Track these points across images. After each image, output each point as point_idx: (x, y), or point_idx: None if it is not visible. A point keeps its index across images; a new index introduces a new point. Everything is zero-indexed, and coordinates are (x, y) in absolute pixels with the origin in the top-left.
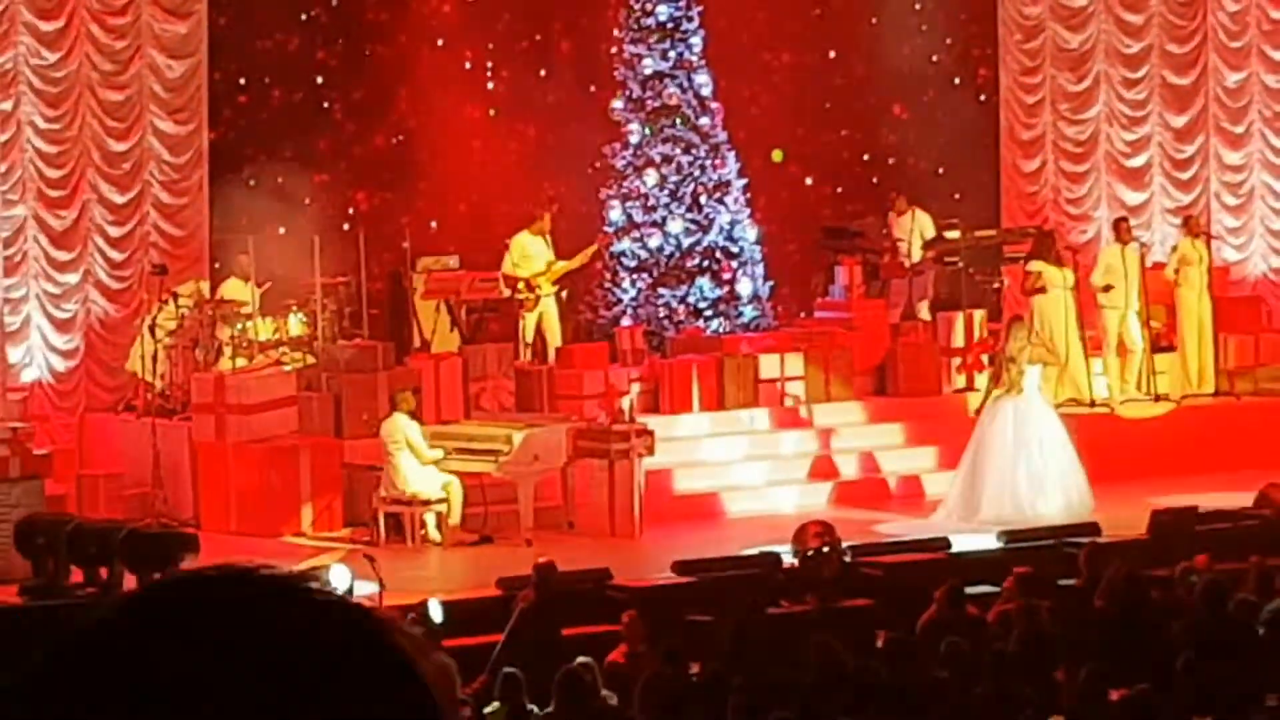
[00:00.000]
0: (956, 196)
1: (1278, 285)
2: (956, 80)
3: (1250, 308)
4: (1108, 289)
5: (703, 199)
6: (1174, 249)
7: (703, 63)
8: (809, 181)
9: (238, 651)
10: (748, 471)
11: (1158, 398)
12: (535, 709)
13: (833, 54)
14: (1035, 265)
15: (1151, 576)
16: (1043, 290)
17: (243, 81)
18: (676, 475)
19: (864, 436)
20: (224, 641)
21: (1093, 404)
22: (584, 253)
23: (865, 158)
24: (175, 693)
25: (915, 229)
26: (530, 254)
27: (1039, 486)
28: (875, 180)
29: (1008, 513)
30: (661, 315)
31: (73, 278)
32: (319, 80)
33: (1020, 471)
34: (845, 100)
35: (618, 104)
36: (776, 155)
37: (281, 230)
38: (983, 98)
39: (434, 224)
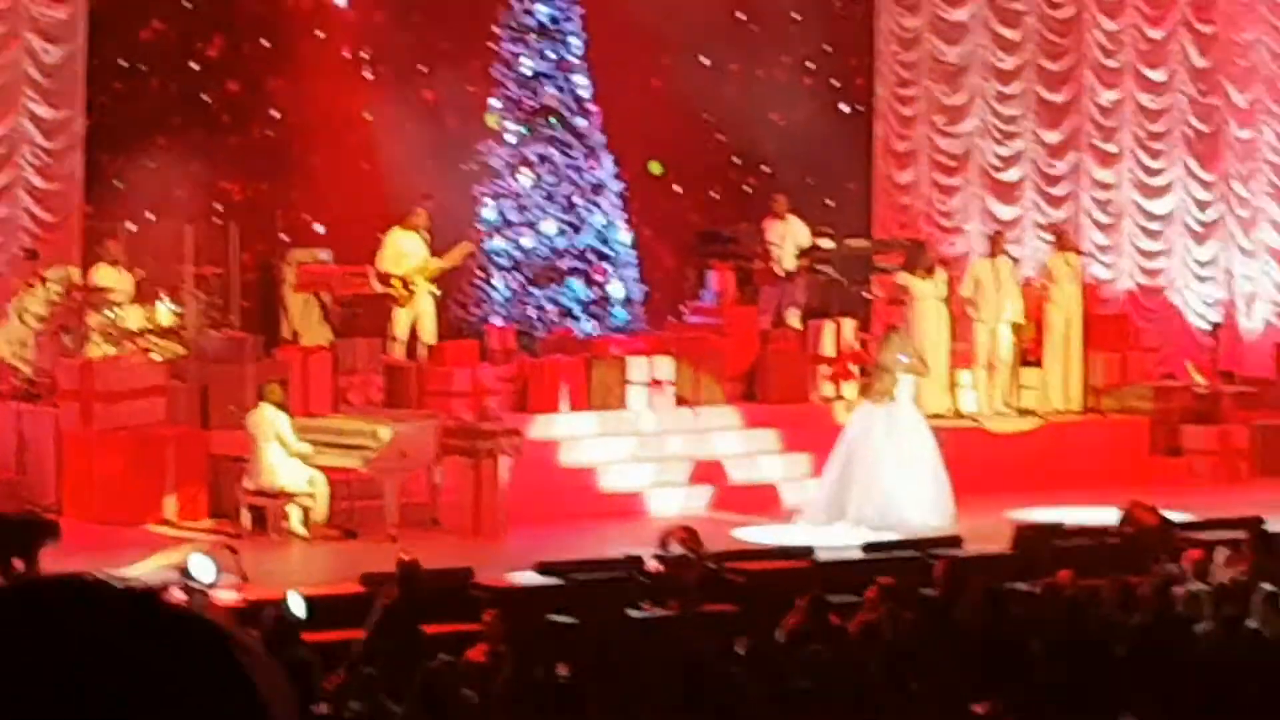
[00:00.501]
0: (830, 203)
1: (1144, 304)
2: (833, 89)
3: (1119, 325)
4: (978, 301)
5: (577, 200)
6: (1043, 265)
7: (582, 64)
8: (678, 189)
9: (74, 659)
10: (638, 473)
11: (1024, 412)
12: (394, 707)
13: (709, 61)
14: (902, 278)
15: (1013, 591)
16: (903, 303)
17: (121, 68)
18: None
19: (743, 442)
20: (62, 649)
21: (959, 416)
22: (459, 250)
23: (735, 160)
24: (12, 696)
25: (790, 236)
26: (404, 250)
27: (904, 496)
28: (749, 187)
29: (872, 518)
30: (532, 315)
31: None
32: (197, 70)
33: (887, 479)
34: (722, 107)
35: (495, 103)
36: (655, 168)
37: (154, 219)
38: (859, 108)
39: (308, 217)
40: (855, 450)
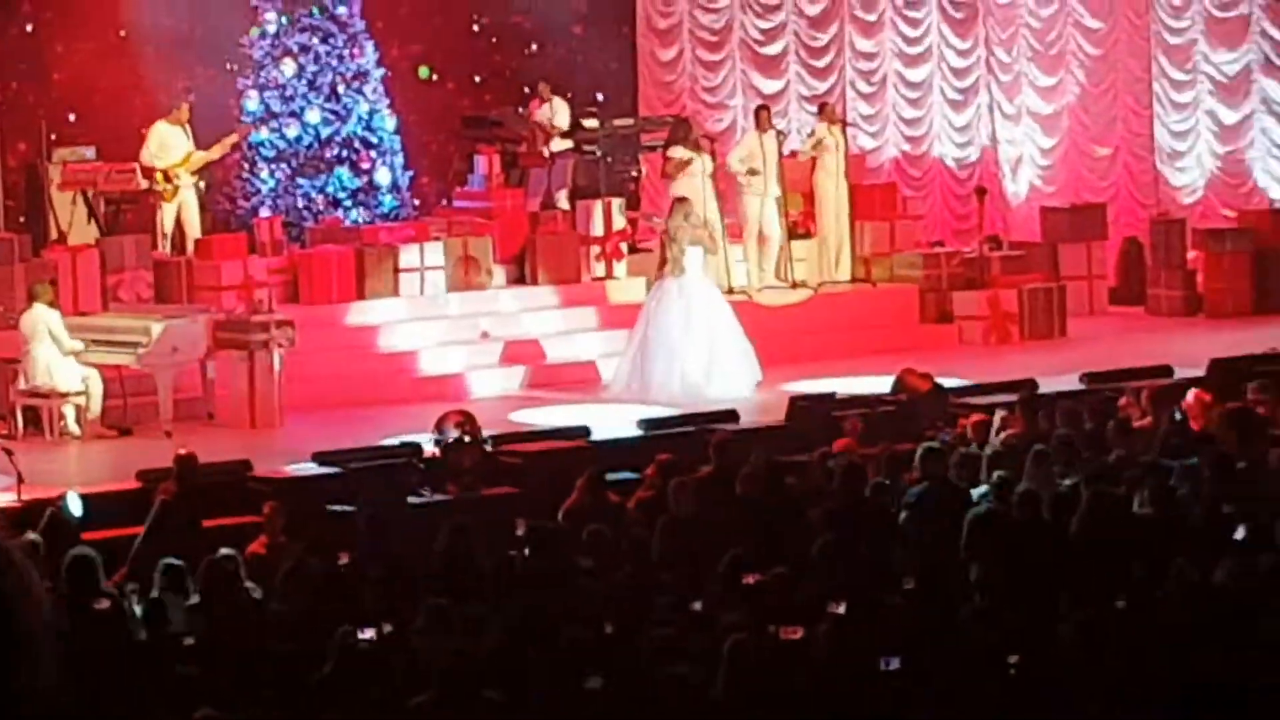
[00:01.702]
0: (595, 87)
1: (909, 173)
2: None
3: (886, 195)
4: (751, 173)
5: (341, 89)
6: (809, 136)
7: None
8: (441, 75)
9: None
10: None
11: (796, 285)
12: (177, 601)
13: None
14: (675, 151)
15: (790, 462)
16: (684, 173)
17: None
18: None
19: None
20: None
21: (731, 291)
22: (223, 143)
23: (497, 42)
24: None
25: (555, 117)
26: (169, 144)
27: (706, 367)
28: (513, 68)
29: (677, 393)
30: (300, 206)
31: None
32: None
33: (688, 352)
34: None
35: None
36: (424, 72)
37: None
38: None
39: (71, 115)
40: (652, 326)
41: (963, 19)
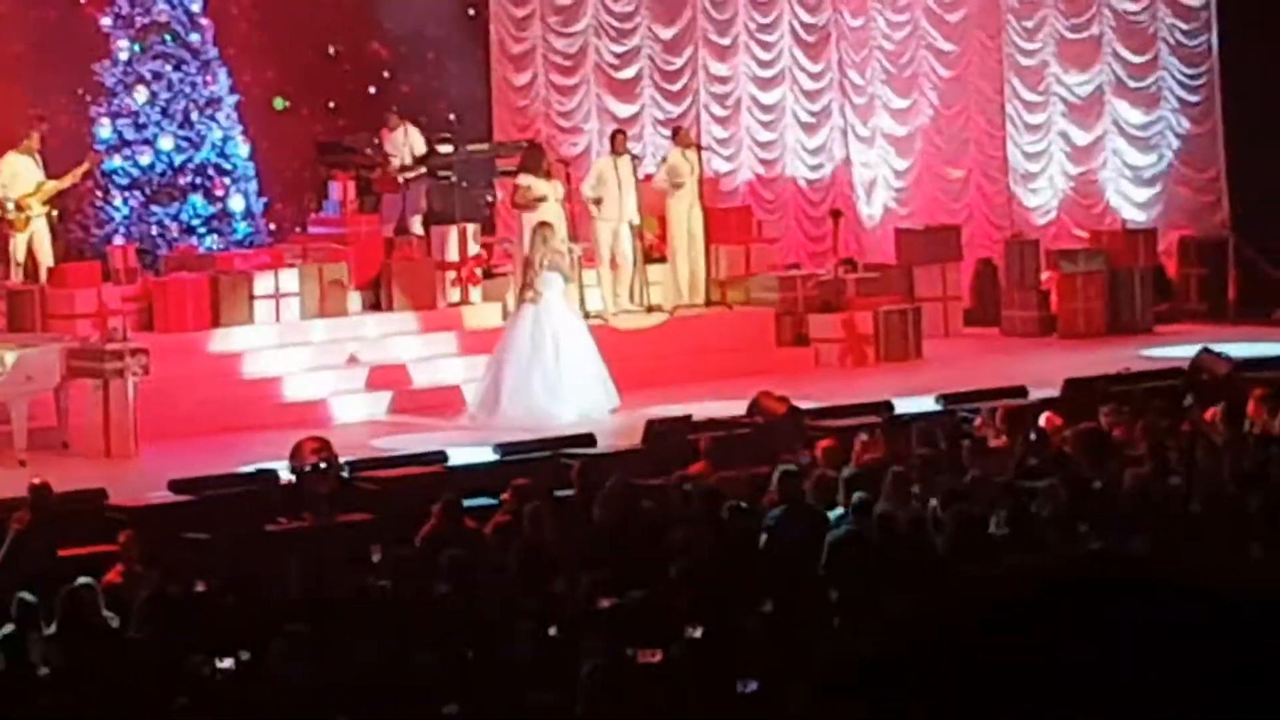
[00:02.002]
0: (449, 111)
1: (764, 196)
2: None
3: (741, 218)
4: (599, 200)
5: (194, 116)
6: (663, 160)
7: None
8: (295, 101)
9: None
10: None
11: (651, 309)
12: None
13: None
14: (524, 179)
15: (647, 486)
16: (533, 205)
17: None
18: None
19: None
20: None
21: (586, 316)
22: (74, 171)
23: (351, 69)
24: None
25: (407, 144)
26: (19, 174)
27: (554, 393)
28: (368, 95)
29: (522, 417)
30: (154, 233)
31: None
32: None
33: (535, 377)
34: (336, 16)
35: (107, 21)
36: (278, 103)
37: None
38: (472, 12)
39: None
40: (506, 350)
41: (815, 42)
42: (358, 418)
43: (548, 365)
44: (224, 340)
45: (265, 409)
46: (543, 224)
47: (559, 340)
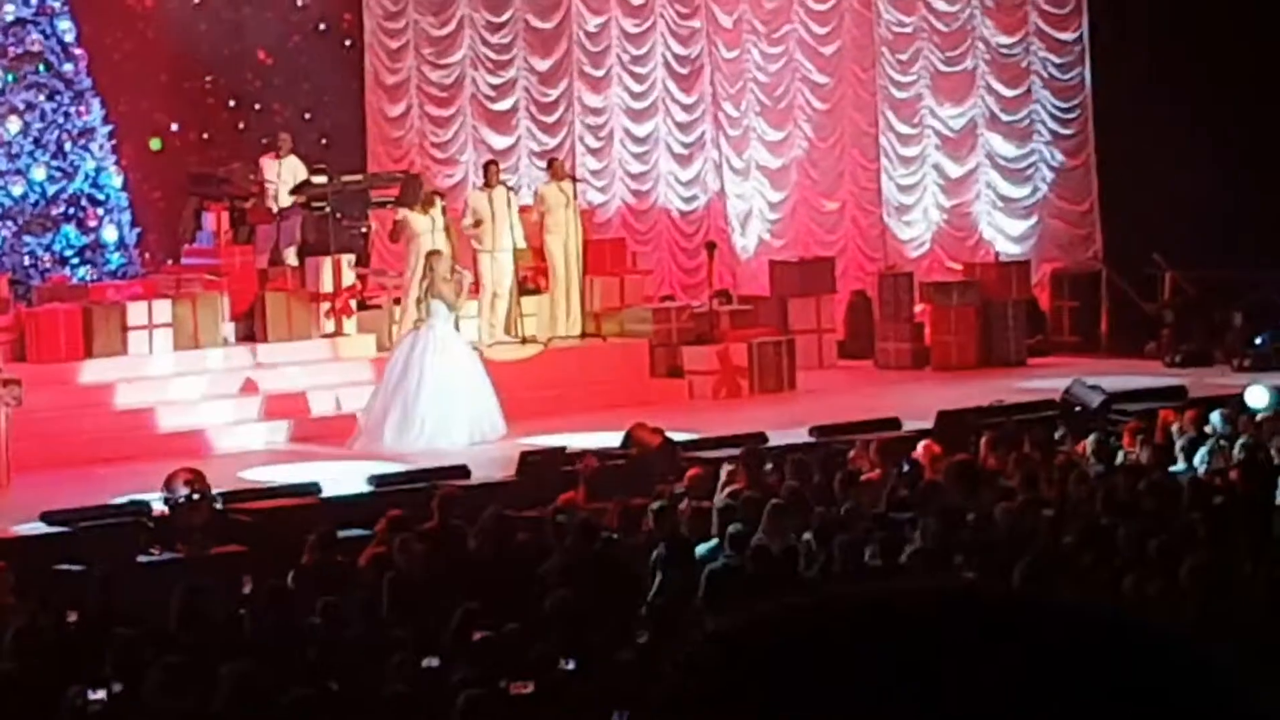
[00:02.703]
0: (323, 142)
1: (637, 228)
2: (321, 25)
3: (615, 250)
4: (478, 224)
5: (67, 146)
6: (537, 192)
7: (65, 8)
8: (170, 131)
9: None
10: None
11: (526, 340)
12: None
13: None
14: (401, 213)
15: (521, 517)
16: (411, 239)
17: None
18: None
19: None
20: None
21: None
22: None
23: (231, 104)
24: None
25: (289, 173)
26: None
27: (442, 419)
28: (241, 126)
29: (410, 443)
30: (27, 264)
31: None
32: None
33: (421, 404)
34: (210, 46)
35: None
36: (155, 144)
37: None
38: (348, 43)
39: None
40: (392, 376)
41: (688, 74)
42: (240, 447)
43: (435, 392)
44: (98, 370)
45: (141, 439)
46: (432, 252)
47: (443, 367)
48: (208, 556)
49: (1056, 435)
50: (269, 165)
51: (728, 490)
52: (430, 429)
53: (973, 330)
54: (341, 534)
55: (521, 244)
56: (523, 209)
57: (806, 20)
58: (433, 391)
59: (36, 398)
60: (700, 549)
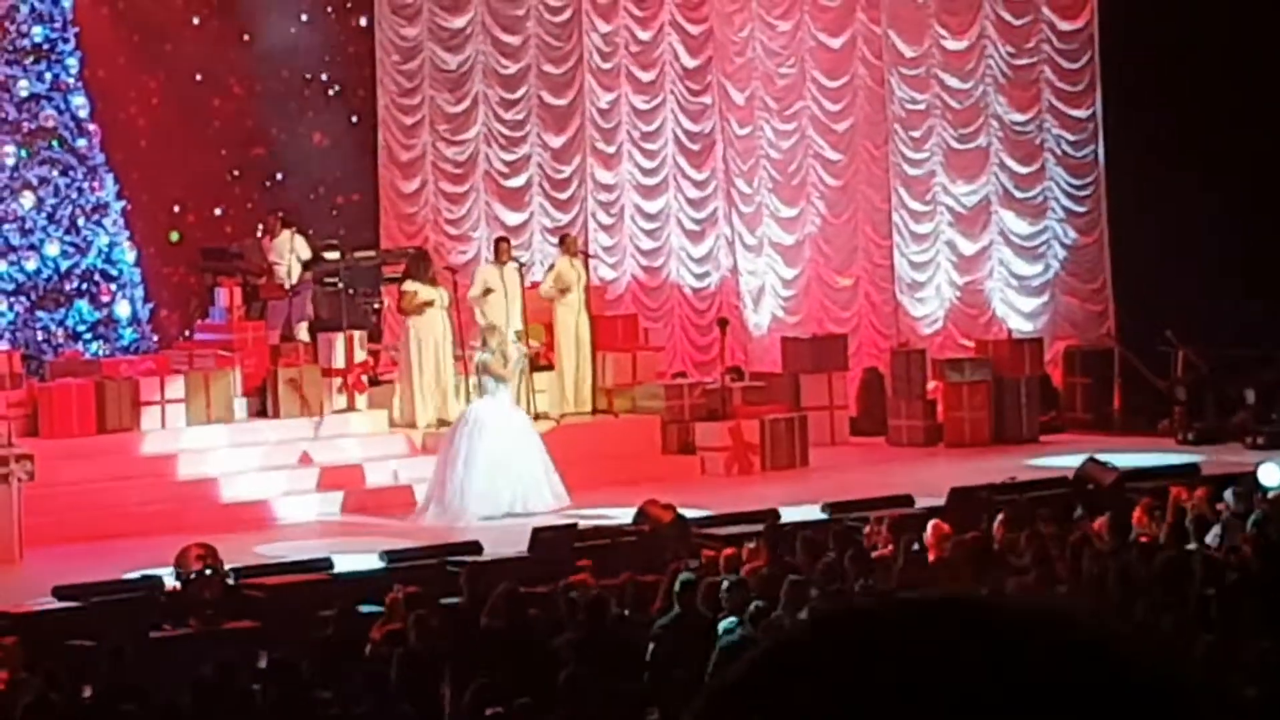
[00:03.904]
0: (335, 215)
1: (648, 304)
2: (334, 100)
3: (627, 326)
4: (487, 293)
5: (80, 221)
6: (550, 268)
7: (79, 85)
8: (181, 207)
9: None
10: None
11: (538, 416)
12: None
13: (199, 76)
14: (410, 285)
15: (533, 593)
16: (420, 309)
17: None
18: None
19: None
20: None
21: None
22: None
23: (235, 173)
24: None
25: (292, 250)
26: None
27: (498, 489)
28: (253, 202)
29: (466, 514)
30: (40, 339)
31: None
32: None
33: (477, 476)
34: (223, 121)
35: None
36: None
37: None
38: (360, 119)
39: None
40: (457, 448)
41: (699, 150)
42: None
43: (495, 461)
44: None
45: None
46: (490, 327)
47: (504, 436)
48: (219, 631)
49: (1075, 514)
50: (271, 246)
51: (748, 567)
52: (500, 500)
53: (985, 407)
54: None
55: (518, 323)
56: (533, 285)
57: (819, 97)
58: (487, 465)
59: (47, 472)
60: (721, 625)
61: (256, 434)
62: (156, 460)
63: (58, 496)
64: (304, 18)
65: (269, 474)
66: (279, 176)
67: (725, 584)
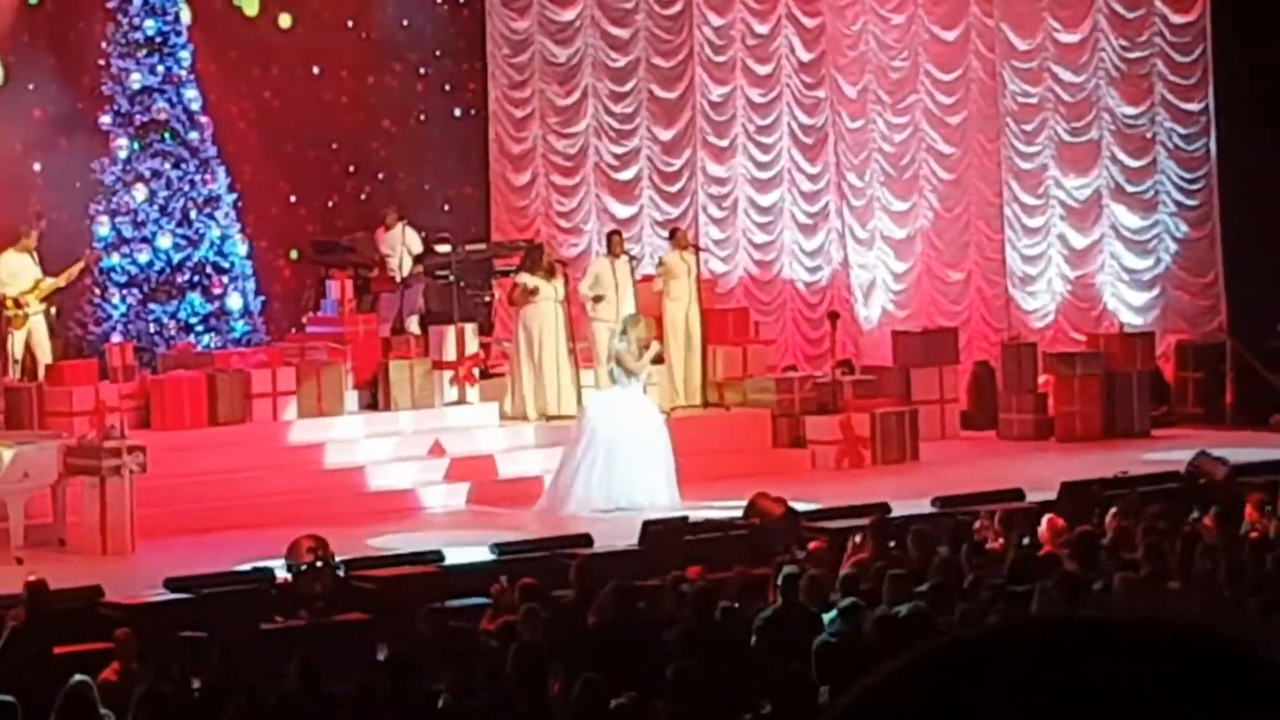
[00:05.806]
0: (446, 208)
1: (760, 298)
2: (445, 93)
3: (738, 319)
4: (598, 300)
5: (192, 214)
6: (660, 262)
7: (191, 77)
8: (294, 199)
9: None
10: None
11: None
12: None
13: (317, 69)
14: (522, 277)
15: (643, 587)
16: (530, 299)
17: None
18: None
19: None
20: None
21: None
22: (71, 269)
23: (350, 168)
24: None
25: (404, 243)
26: (17, 271)
27: (630, 480)
28: (365, 195)
29: (599, 503)
30: (152, 331)
31: None
32: None
33: (617, 465)
34: (334, 115)
35: (106, 119)
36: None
37: None
38: (472, 111)
39: None
40: (579, 438)
41: (813, 144)
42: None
43: (628, 453)
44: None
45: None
46: (632, 316)
47: (638, 427)
48: (330, 623)
49: (1182, 507)
50: (383, 238)
51: (853, 560)
52: (613, 494)
53: (1097, 401)
54: (464, 602)
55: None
56: (644, 279)
57: (932, 90)
58: (607, 458)
59: (159, 464)
60: (826, 618)
61: (387, 424)
62: (298, 450)
63: (169, 488)
64: (416, 11)
65: (405, 464)
66: (390, 169)
67: (829, 574)
